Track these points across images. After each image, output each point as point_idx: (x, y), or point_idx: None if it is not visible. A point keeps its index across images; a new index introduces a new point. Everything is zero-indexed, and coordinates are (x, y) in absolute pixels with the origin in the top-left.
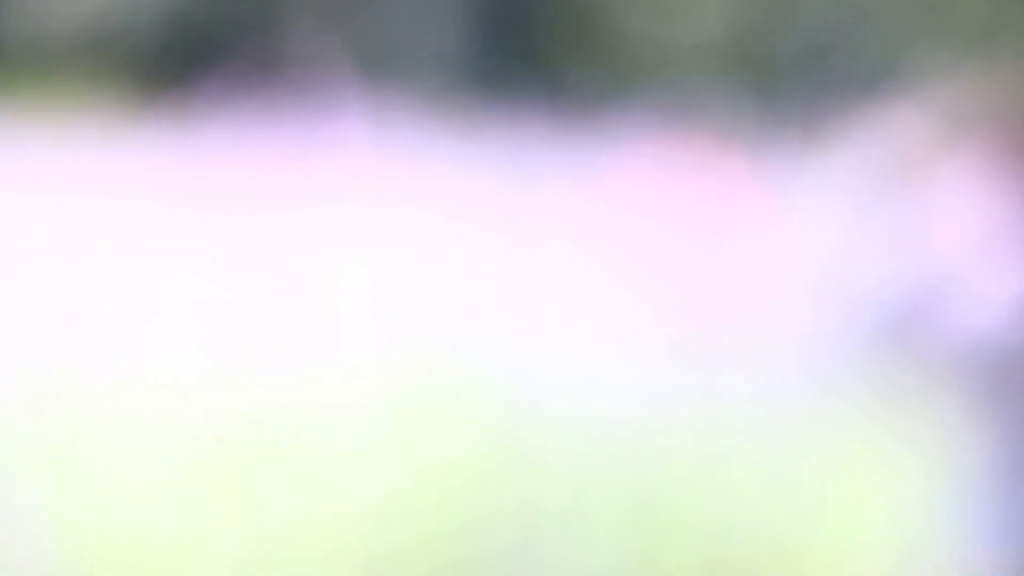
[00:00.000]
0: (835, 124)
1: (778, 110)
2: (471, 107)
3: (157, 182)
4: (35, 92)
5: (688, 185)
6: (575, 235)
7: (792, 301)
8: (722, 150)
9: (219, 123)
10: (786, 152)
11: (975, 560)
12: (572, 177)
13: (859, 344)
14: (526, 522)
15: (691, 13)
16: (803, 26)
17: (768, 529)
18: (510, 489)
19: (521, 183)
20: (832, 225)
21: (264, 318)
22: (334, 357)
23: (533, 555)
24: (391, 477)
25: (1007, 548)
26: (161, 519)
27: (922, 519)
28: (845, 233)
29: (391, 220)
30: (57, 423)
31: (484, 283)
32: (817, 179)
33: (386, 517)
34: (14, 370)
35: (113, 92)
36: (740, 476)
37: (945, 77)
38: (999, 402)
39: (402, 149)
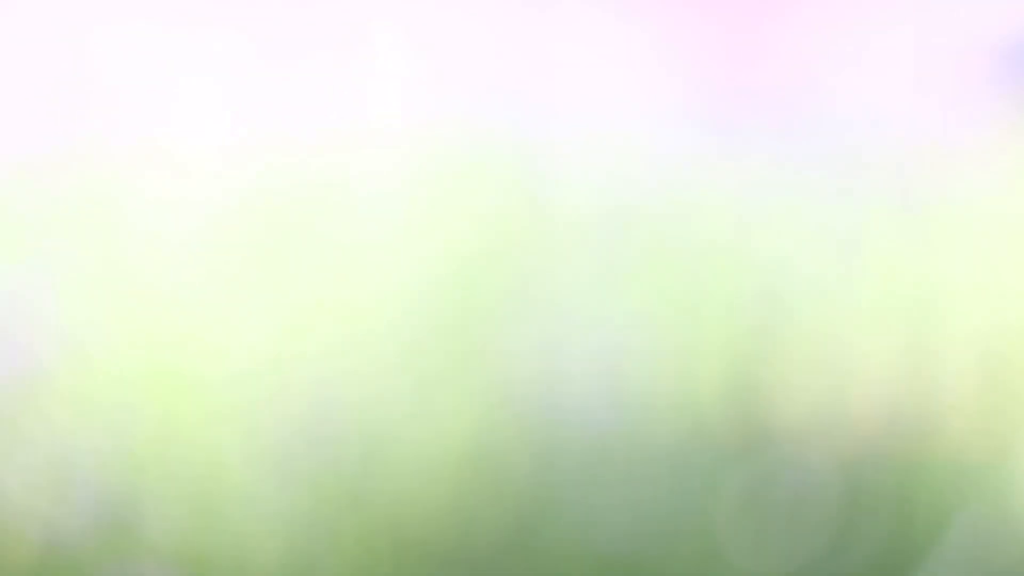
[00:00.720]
0: None
1: None
2: None
3: None
4: None
5: None
6: (601, 4)
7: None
8: None
9: None
10: None
11: None
12: None
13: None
14: (554, 287)
15: None
16: None
17: (804, 292)
18: (536, 255)
19: None
20: None
21: (289, 89)
22: (359, 126)
23: (561, 327)
24: (418, 248)
25: None
26: (186, 296)
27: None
28: None
29: None
30: (80, 196)
31: (506, 49)
32: None
33: (415, 292)
34: (35, 142)
35: None
36: (776, 238)
37: None
38: None
39: None
